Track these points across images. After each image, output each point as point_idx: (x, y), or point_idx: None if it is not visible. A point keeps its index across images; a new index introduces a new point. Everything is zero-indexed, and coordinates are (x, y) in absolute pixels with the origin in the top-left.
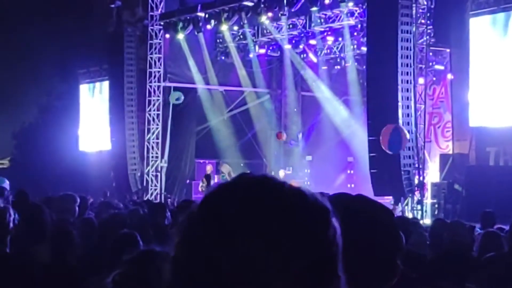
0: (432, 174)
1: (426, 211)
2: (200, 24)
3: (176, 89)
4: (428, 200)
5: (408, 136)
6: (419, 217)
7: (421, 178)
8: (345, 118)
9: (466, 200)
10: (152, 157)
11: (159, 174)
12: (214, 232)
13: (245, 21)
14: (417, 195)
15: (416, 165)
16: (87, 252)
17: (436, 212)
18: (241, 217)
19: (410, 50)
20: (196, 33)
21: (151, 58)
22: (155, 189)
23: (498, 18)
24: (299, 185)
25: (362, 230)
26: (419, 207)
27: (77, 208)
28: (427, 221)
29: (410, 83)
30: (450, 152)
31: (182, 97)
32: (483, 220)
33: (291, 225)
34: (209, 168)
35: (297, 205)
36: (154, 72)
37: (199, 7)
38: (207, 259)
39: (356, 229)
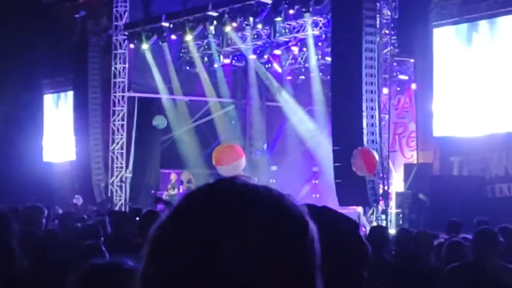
0: (397, 183)
1: (390, 221)
2: (165, 34)
3: (140, 99)
4: (393, 210)
5: (377, 157)
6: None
7: (385, 187)
8: (310, 128)
9: (430, 210)
10: (117, 167)
11: (123, 184)
12: (186, 245)
13: (210, 31)
14: (381, 205)
15: (381, 175)
16: (52, 264)
17: (400, 222)
18: (216, 227)
19: (374, 60)
20: (160, 43)
21: (116, 68)
22: (120, 200)
23: (461, 29)
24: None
25: (327, 241)
26: (383, 216)
27: (44, 220)
28: (391, 231)
29: (375, 93)
30: (415, 162)
31: (165, 124)
32: (449, 229)
33: (270, 235)
34: (173, 177)
35: (275, 213)
36: (119, 82)
37: (163, 17)
38: (178, 274)
39: (321, 240)
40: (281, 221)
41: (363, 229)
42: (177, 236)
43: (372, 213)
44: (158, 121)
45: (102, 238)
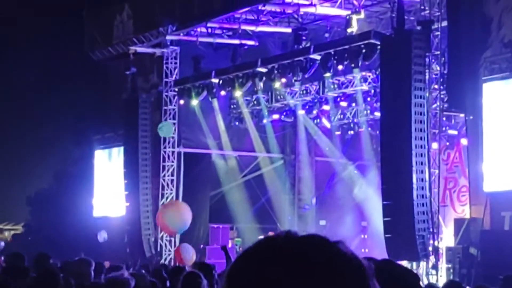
0: (447, 238)
1: (441, 275)
2: (214, 90)
3: (189, 154)
4: (443, 265)
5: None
6: (434, 282)
7: (435, 242)
8: (359, 183)
9: (481, 265)
10: None
11: (173, 239)
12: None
13: (259, 87)
14: (431, 260)
15: (431, 230)
16: None
17: (451, 277)
18: (287, 280)
19: (424, 115)
20: (210, 99)
21: None
22: (169, 254)
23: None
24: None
25: None
26: (434, 271)
27: (92, 273)
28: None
29: (424, 147)
30: (466, 217)
31: (171, 132)
32: (504, 284)
33: (335, 278)
34: None
35: (342, 268)
36: (169, 138)
37: (213, 73)
38: None
39: None
40: (350, 275)
41: None
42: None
43: (422, 268)
44: (164, 128)
45: None
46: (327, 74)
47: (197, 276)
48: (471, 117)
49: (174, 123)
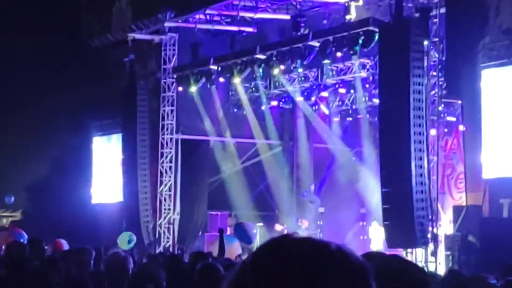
0: (446, 225)
1: (440, 263)
2: (213, 77)
3: (187, 141)
4: (442, 252)
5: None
6: (433, 269)
7: (434, 230)
8: (358, 169)
9: (480, 252)
10: (165, 209)
11: (171, 226)
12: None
13: (258, 74)
14: (430, 247)
15: (430, 217)
16: None
17: (450, 264)
18: (290, 277)
19: (422, 102)
20: (208, 85)
21: (164, 110)
22: (168, 241)
23: (510, 70)
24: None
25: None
26: (433, 259)
27: (92, 261)
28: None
29: (423, 134)
30: (464, 204)
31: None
32: (504, 273)
33: (337, 285)
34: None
35: (342, 267)
36: (167, 124)
37: (211, 60)
38: None
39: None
40: (349, 274)
41: None
42: (258, 282)
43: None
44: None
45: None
46: (326, 61)
47: (214, 268)
48: (460, 102)
49: (172, 110)
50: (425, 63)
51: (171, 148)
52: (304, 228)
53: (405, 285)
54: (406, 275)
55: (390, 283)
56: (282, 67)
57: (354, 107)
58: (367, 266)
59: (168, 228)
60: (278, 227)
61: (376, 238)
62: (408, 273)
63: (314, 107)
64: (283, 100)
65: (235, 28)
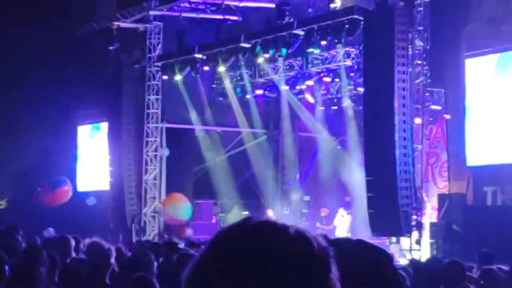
0: (430, 214)
1: (423, 251)
2: (198, 65)
3: (172, 130)
4: (427, 240)
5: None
6: (417, 257)
7: (419, 218)
8: (343, 158)
9: (464, 240)
10: (150, 197)
11: (156, 215)
12: (222, 274)
13: (242, 63)
14: (415, 235)
15: (414, 205)
16: None
17: (434, 252)
18: (248, 260)
19: (407, 90)
20: (193, 74)
21: (149, 99)
22: (153, 230)
23: (493, 59)
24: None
25: (362, 274)
26: (417, 247)
27: (72, 249)
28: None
29: (407, 123)
30: (448, 192)
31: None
32: (480, 260)
33: (295, 270)
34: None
35: (300, 250)
36: (152, 113)
37: (196, 49)
38: None
39: (356, 274)
40: (308, 258)
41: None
42: (216, 267)
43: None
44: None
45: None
46: (311, 50)
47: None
48: (444, 91)
49: (158, 99)
50: (410, 52)
51: (156, 137)
52: (324, 215)
53: (372, 269)
54: (373, 259)
55: (357, 267)
56: (266, 55)
57: (339, 95)
58: (327, 250)
59: (154, 217)
60: (270, 213)
61: (341, 225)
62: (374, 256)
63: (299, 96)
64: (268, 89)
65: (220, 17)
